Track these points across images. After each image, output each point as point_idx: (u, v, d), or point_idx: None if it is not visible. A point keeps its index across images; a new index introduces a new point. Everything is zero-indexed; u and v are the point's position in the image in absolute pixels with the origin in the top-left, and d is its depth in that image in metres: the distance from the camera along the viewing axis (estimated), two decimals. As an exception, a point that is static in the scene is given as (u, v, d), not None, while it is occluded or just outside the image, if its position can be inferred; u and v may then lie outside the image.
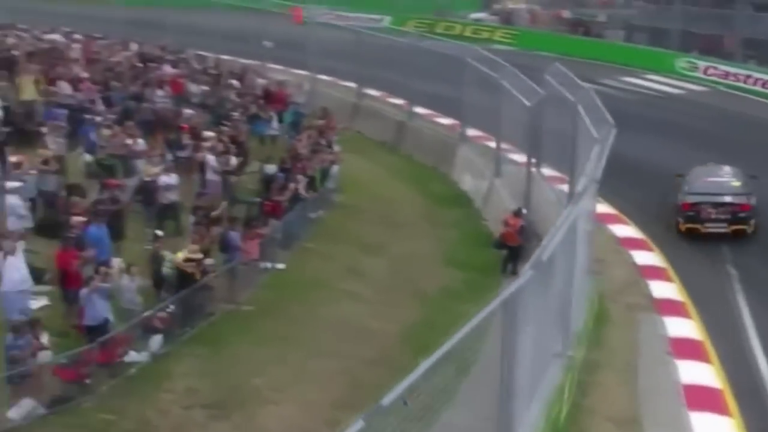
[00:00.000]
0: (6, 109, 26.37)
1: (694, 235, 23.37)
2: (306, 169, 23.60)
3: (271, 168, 24.01)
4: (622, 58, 45.76)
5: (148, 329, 16.84)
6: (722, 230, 23.14)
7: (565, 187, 21.36)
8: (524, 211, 21.83)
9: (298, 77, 38.21)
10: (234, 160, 23.69)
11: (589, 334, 17.29)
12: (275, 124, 29.00)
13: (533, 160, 24.02)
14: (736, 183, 24.33)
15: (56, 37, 39.87)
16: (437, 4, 58.02)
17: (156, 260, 18.14)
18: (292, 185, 22.37)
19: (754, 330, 18.67)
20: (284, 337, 17.81)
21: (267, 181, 23.70)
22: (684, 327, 18.63)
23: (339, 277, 20.54)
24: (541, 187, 23.43)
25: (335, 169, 25.31)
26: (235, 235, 18.91)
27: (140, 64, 34.75)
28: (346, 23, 48.24)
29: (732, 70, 40.38)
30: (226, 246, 18.76)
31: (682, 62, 42.59)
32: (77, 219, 18.25)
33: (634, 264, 21.78)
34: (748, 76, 39.75)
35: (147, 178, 21.47)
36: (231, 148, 24.35)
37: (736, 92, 39.86)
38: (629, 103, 37.51)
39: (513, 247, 21.22)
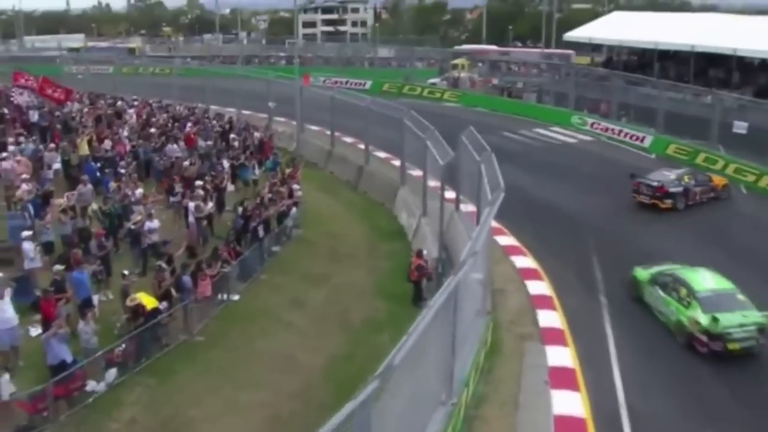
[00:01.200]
0: (65, 162, 24.35)
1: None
2: (263, 214, 19.76)
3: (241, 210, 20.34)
4: (535, 114, 42.26)
5: (108, 363, 13.57)
6: (646, 201, 24.74)
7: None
8: (425, 252, 18.08)
9: (292, 127, 34.61)
10: (210, 206, 19.89)
11: (480, 368, 13.76)
12: (256, 170, 25.08)
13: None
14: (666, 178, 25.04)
15: (120, 103, 36.18)
16: (404, 73, 56.28)
17: (124, 295, 14.75)
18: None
19: (615, 358, 15.13)
20: (224, 367, 14.41)
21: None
22: (561, 356, 15.08)
23: (282, 308, 17.04)
24: (457, 225, 19.70)
25: (294, 211, 21.47)
26: (186, 280, 15.20)
27: (170, 123, 30.95)
28: (339, 86, 46.14)
29: (610, 125, 36.74)
30: (179, 288, 15.01)
31: (576, 118, 39.08)
32: (57, 267, 15.02)
33: (527, 294, 18.04)
34: (621, 130, 36.00)
35: (132, 226, 17.75)
36: (212, 195, 20.63)
37: (613, 142, 36.12)
38: (536, 149, 34.52)
39: (415, 283, 17.55)
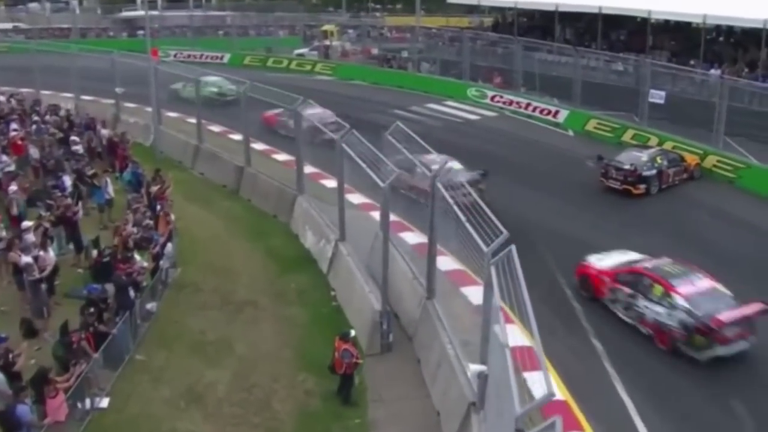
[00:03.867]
0: None
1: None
2: (134, 267, 14.42)
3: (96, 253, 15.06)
4: (424, 87, 38.45)
5: None
6: (617, 187, 22.74)
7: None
8: (352, 333, 13.08)
9: (145, 115, 28.71)
10: (50, 256, 14.36)
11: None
12: (110, 188, 19.40)
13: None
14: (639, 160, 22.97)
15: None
16: (265, 43, 50.81)
17: None
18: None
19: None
20: None
21: (94, 270, 14.72)
22: None
23: (173, 409, 12.10)
24: (395, 259, 15.37)
25: (170, 247, 16.29)
26: (23, 410, 9.89)
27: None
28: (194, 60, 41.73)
29: (515, 98, 33.57)
30: (13, 425, 9.75)
31: (473, 91, 35.70)
32: None
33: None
34: (529, 104, 32.93)
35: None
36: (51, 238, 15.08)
37: (519, 117, 33.05)
38: (437, 129, 29.91)
39: (342, 376, 12.66)
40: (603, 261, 16.47)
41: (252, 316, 15.43)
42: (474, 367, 10.15)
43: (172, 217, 17.53)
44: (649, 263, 15.64)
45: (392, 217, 16.75)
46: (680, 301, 14.10)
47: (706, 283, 14.75)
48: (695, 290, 14.40)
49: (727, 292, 14.61)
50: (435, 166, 13.87)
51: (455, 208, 11.82)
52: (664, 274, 14.91)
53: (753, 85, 26.01)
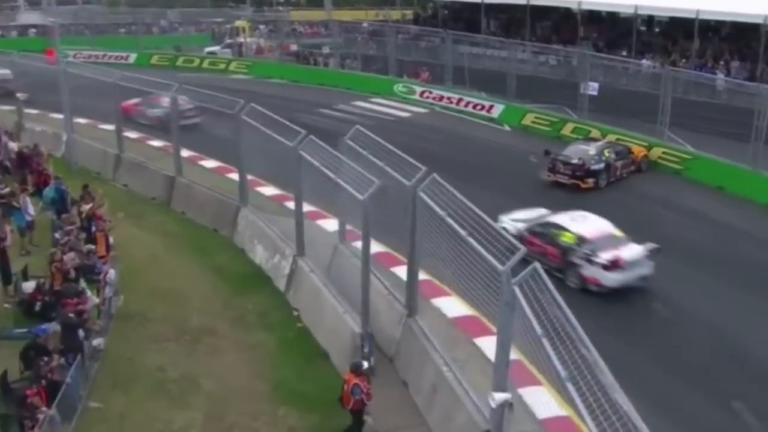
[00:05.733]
0: None
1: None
2: (81, 305, 12.76)
3: (29, 285, 13.35)
4: (347, 84, 37.53)
5: None
6: (565, 181, 22.73)
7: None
8: (365, 365, 11.40)
9: (53, 122, 26.69)
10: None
11: None
12: (30, 209, 17.45)
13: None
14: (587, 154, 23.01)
15: None
16: (173, 41, 48.70)
17: None
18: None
19: None
20: None
21: (26, 305, 13.02)
22: None
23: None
24: (348, 267, 14.46)
25: (113, 274, 14.70)
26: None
27: None
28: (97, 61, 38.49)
29: (446, 93, 33.06)
30: None
31: (400, 87, 35.01)
32: None
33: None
34: (461, 99, 32.49)
35: None
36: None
37: (451, 113, 32.60)
38: (369, 129, 28.36)
39: (353, 412, 11.18)
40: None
41: (213, 345, 14.07)
42: (499, 396, 9.32)
43: (111, 239, 15.89)
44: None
45: (347, 227, 16.13)
46: None
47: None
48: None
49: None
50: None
51: (449, 220, 10.97)
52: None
53: (702, 76, 26.42)
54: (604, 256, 15.81)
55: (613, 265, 15.76)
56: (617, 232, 16.81)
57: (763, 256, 17.94)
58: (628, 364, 11.76)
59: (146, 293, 15.83)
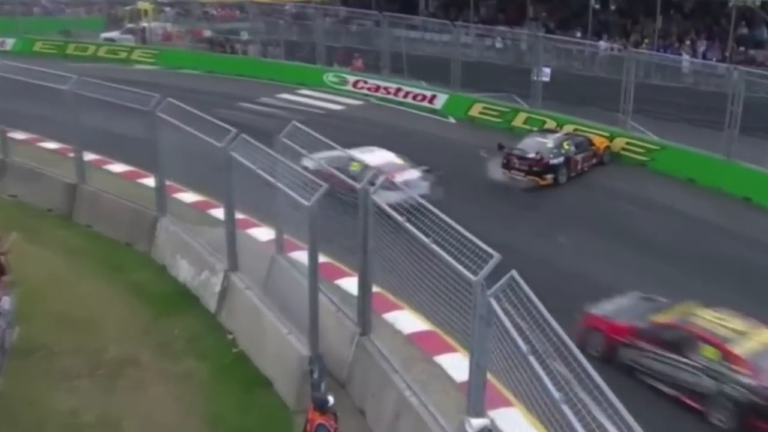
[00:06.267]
0: None
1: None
2: None
3: None
4: (270, 74, 37.04)
5: None
6: (521, 178, 22.89)
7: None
8: (331, 401, 10.43)
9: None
10: None
11: None
12: None
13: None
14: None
15: None
16: (61, 25, 46.77)
17: None
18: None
19: None
20: None
21: None
22: None
23: None
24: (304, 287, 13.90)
25: (7, 301, 13.83)
26: None
27: None
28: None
29: (383, 83, 32.90)
30: None
31: (330, 76, 34.72)
32: None
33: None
34: (399, 89, 32.46)
35: None
36: None
37: (389, 105, 32.68)
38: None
39: None
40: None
41: (135, 379, 13.29)
42: (477, 422, 9.13)
43: (3, 260, 14.97)
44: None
45: (272, 233, 15.80)
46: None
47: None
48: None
49: None
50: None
51: (408, 226, 10.72)
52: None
53: (667, 58, 26.91)
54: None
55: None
56: (398, 161, 21.24)
57: (744, 253, 18.31)
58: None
59: (50, 322, 14.88)
